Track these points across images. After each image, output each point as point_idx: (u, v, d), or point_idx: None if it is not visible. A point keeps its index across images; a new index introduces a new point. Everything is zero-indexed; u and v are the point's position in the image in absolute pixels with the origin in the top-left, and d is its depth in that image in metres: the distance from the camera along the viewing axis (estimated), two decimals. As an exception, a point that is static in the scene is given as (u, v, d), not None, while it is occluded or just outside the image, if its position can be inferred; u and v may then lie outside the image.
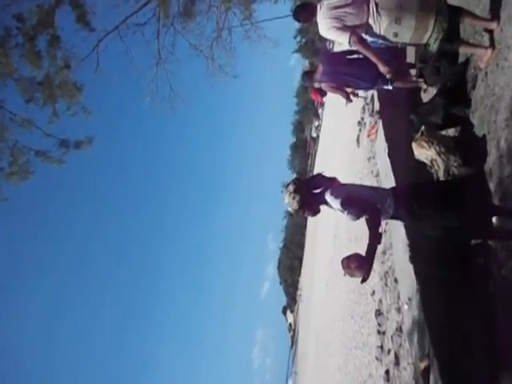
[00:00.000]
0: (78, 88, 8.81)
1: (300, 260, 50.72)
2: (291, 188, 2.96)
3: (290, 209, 3.03)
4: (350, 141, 10.71)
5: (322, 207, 3.08)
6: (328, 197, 2.92)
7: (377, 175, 6.56)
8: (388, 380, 4.57)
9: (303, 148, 57.89)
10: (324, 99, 5.86)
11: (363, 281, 2.82)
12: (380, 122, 6.39)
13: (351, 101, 4.81)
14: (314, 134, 51.63)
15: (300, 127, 60.12)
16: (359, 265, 2.77)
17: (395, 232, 4.65)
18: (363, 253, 2.84)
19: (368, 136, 7.63)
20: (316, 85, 4.85)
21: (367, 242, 2.86)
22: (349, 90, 4.67)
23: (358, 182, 7.98)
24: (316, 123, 49.79)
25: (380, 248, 5.76)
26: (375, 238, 2.87)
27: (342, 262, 2.84)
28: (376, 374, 5.22)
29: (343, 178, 3.24)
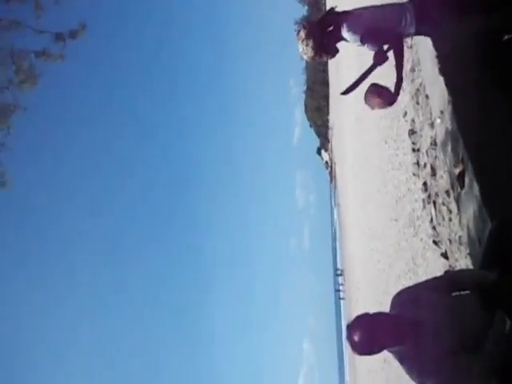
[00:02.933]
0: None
1: (326, 98, 49.86)
2: (302, 34, 2.71)
3: (305, 57, 2.80)
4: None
5: (340, 45, 2.89)
6: (345, 33, 2.71)
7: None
8: (426, 190, 4.90)
9: (311, -28, 51.47)
10: None
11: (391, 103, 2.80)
12: None
13: None
14: (320, -48, 45.18)
15: None
16: (385, 98, 2.71)
17: (422, 45, 4.41)
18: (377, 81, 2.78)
19: None
20: None
21: (395, 66, 2.77)
22: None
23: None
24: None
25: (408, 66, 5.55)
26: (401, 65, 2.74)
27: (368, 97, 2.74)
28: (414, 188, 5.58)
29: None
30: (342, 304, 41.71)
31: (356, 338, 2.02)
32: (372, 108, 2.83)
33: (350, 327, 2.09)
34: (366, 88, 2.81)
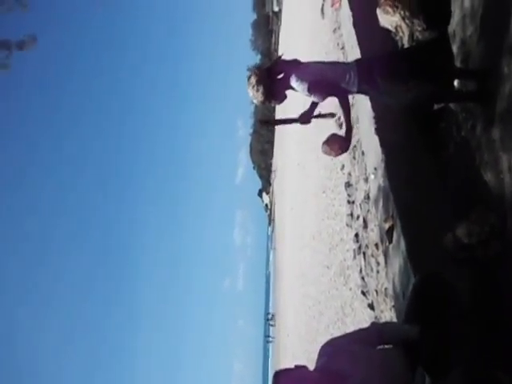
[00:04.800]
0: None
1: (271, 143, 51.33)
2: (253, 80, 2.84)
3: (255, 101, 2.96)
4: (315, 12, 10.09)
5: (288, 92, 3.03)
6: (293, 82, 2.85)
7: (342, 48, 6.36)
8: (357, 241, 5.07)
9: (265, 25, 54.47)
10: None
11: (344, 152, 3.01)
12: (344, -12, 5.99)
13: None
14: (276, 8, 48.17)
15: (260, 1, 55.68)
16: (340, 146, 2.92)
17: (361, 105, 4.70)
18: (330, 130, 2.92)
19: (332, 5, 7.20)
20: None
21: (344, 120, 2.93)
22: None
23: (323, 57, 7.75)
24: (277, -5, 46.06)
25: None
26: (348, 116, 2.91)
27: (324, 146, 2.94)
28: (347, 238, 5.75)
29: (309, 54, 3.14)
30: (270, 349, 41.05)
31: None
32: (329, 155, 3.03)
33: (275, 379, 2.03)
34: (324, 139, 2.97)
